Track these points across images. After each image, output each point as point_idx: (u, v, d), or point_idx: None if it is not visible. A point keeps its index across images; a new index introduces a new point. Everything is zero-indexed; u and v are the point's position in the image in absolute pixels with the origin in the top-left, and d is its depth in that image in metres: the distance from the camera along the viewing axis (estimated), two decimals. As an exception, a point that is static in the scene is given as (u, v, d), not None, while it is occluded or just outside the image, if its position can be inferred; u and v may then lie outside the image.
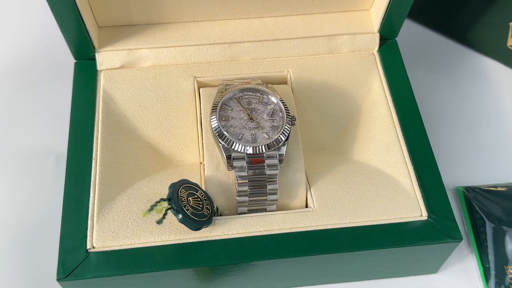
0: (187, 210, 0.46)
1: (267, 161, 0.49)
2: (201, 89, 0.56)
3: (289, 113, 0.51)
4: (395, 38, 0.61)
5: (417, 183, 0.52)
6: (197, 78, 0.58)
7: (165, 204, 0.46)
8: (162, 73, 0.57)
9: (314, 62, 0.59)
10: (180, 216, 0.46)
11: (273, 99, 0.52)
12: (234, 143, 0.49)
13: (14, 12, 0.76)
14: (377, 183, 0.52)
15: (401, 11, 0.57)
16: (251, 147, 0.48)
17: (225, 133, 0.49)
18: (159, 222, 0.45)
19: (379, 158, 0.54)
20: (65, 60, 0.62)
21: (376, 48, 0.60)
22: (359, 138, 0.57)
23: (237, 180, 0.49)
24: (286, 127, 0.50)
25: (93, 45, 0.56)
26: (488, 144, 0.66)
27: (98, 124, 0.54)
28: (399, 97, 0.57)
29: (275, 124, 0.51)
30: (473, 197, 0.60)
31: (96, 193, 0.50)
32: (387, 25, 0.59)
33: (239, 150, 0.49)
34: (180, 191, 0.47)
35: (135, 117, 0.56)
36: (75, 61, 0.58)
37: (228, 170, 0.50)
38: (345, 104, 0.58)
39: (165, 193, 0.48)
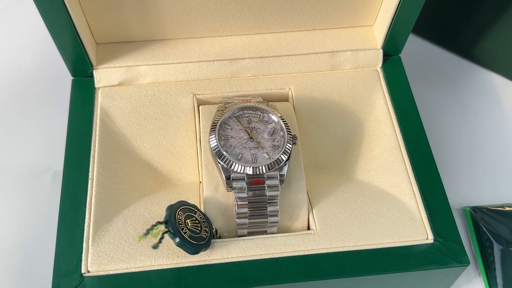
0: (185, 233, 0.45)
1: (268, 182, 0.48)
2: (200, 107, 0.55)
3: (290, 132, 0.50)
4: (399, 54, 0.60)
5: (422, 204, 0.51)
6: (197, 96, 0.57)
7: (162, 228, 0.44)
8: (161, 90, 0.57)
9: (316, 79, 0.58)
10: (177, 239, 0.44)
11: (273, 117, 0.51)
12: (234, 164, 0.47)
13: (11, 28, 0.75)
14: (381, 204, 0.51)
15: (405, 27, 0.56)
16: (251, 168, 0.47)
17: (224, 153, 0.48)
18: (155, 246, 0.44)
19: (383, 178, 0.53)
20: (63, 76, 0.60)
21: (380, 64, 0.59)
22: (362, 157, 0.55)
23: (236, 201, 0.47)
24: (287, 146, 0.49)
25: (90, 62, 0.56)
26: (496, 162, 0.65)
27: (95, 143, 0.53)
28: (403, 115, 0.56)
29: (276, 143, 0.50)
30: (480, 217, 0.59)
31: (92, 214, 0.49)
32: (391, 41, 0.58)
33: (238, 170, 0.47)
34: (178, 214, 0.46)
35: (133, 135, 0.55)
36: (73, 78, 0.58)
37: (228, 191, 0.49)
38: (348, 122, 0.57)
39: (162, 214, 0.46)
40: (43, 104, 0.67)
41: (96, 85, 0.57)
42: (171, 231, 0.44)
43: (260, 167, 0.47)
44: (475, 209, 0.60)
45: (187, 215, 0.47)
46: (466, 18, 0.69)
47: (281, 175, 0.48)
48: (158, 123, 0.55)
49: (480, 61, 0.72)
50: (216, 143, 0.48)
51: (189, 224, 0.46)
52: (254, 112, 0.51)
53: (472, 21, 0.69)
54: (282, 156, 0.48)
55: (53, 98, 0.67)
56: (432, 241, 0.49)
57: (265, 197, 0.47)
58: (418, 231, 0.49)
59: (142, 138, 0.54)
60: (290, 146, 0.49)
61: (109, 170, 0.52)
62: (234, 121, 0.51)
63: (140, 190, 0.52)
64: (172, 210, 0.46)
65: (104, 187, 0.51)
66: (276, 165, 0.48)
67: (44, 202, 0.60)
